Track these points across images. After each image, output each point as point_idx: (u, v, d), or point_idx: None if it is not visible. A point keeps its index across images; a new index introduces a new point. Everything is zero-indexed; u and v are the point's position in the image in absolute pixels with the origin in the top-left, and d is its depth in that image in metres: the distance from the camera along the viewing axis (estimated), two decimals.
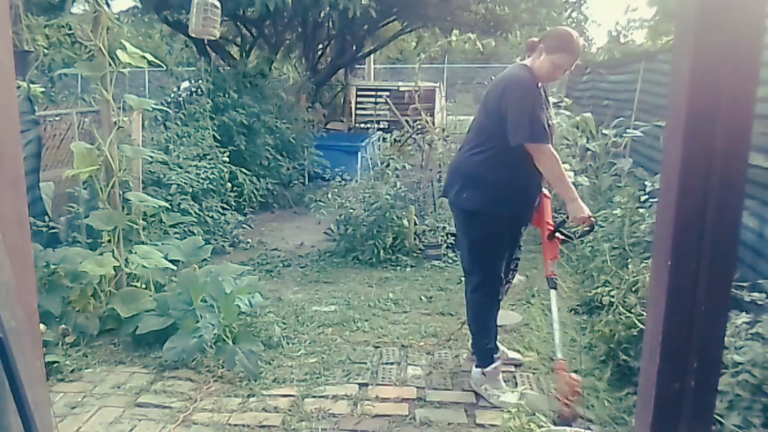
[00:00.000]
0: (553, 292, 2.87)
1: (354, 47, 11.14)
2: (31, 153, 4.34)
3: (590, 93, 8.26)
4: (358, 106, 11.79)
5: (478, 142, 2.85)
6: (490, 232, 2.85)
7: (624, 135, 5.11)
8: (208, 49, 8.78)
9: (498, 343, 3.02)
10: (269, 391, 2.95)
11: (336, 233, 5.51)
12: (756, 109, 1.01)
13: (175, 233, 4.66)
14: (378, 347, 3.44)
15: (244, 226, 6.10)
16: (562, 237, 2.92)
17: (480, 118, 2.89)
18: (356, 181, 6.20)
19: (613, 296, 3.27)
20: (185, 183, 5.39)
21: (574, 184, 5.07)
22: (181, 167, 5.60)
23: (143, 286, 3.76)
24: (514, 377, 3.08)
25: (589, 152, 5.57)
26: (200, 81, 7.04)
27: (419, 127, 6.25)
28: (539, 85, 2.78)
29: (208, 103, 6.60)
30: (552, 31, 2.86)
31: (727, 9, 0.96)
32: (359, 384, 3.01)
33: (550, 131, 2.72)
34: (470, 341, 3.12)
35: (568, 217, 2.89)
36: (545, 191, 3.00)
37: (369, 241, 5.13)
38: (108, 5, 3.57)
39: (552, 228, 2.91)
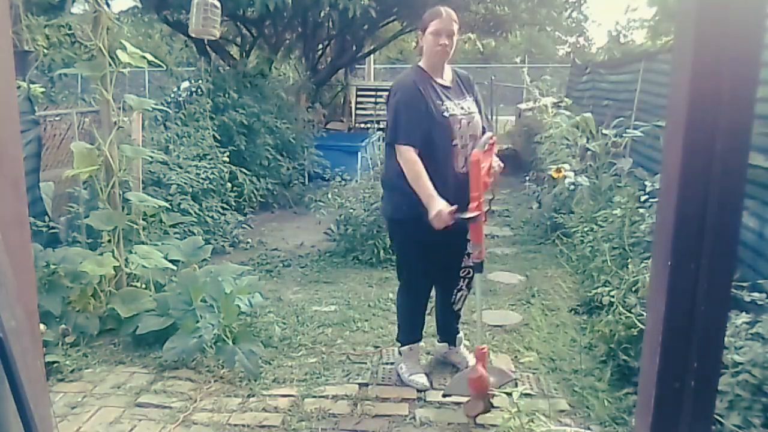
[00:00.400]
0: (477, 276, 2.74)
1: (354, 47, 11.13)
2: (31, 153, 4.34)
3: (590, 93, 8.26)
4: (358, 106, 11.78)
5: (387, 150, 2.89)
6: (408, 240, 2.88)
7: (624, 135, 5.11)
8: (208, 49, 8.77)
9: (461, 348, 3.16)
10: (269, 391, 2.95)
11: (336, 233, 5.51)
12: (756, 109, 1.01)
13: (175, 233, 4.66)
14: (378, 347, 3.44)
15: (244, 226, 6.10)
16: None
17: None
18: (356, 181, 6.20)
19: (613, 296, 3.27)
20: (185, 183, 5.39)
21: (573, 183, 5.12)
22: (181, 167, 5.60)
23: (143, 286, 3.76)
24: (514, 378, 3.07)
25: (589, 152, 5.57)
26: (200, 81, 7.04)
27: None
28: (434, 79, 2.78)
29: (208, 103, 6.60)
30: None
31: (727, 9, 0.96)
32: (359, 384, 3.02)
33: (446, 122, 2.69)
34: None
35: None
36: (475, 150, 2.65)
37: (369, 241, 5.13)
38: (108, 5, 3.57)
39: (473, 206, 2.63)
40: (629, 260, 3.48)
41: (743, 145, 1.01)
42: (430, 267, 2.91)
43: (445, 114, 2.71)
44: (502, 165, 2.79)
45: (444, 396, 2.81)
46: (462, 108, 2.79)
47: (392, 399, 2.87)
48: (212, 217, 5.57)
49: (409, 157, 2.65)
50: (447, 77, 2.85)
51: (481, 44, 6.04)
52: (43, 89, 7.01)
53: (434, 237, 2.62)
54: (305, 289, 4.56)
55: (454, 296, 3.04)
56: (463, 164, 2.72)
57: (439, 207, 2.54)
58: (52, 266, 3.42)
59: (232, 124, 6.85)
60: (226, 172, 6.11)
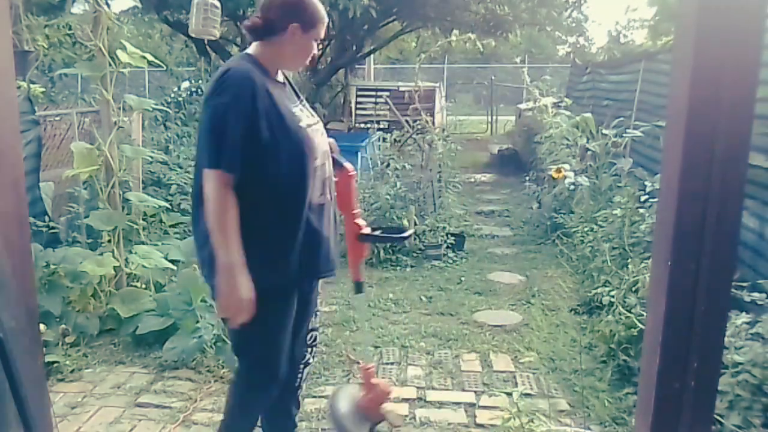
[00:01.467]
0: (360, 296, 2.47)
1: (354, 47, 11.14)
2: (31, 153, 4.34)
3: (590, 93, 8.26)
4: (358, 106, 11.78)
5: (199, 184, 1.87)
6: (269, 313, 1.91)
7: (624, 135, 5.11)
8: (208, 49, 8.78)
9: None
10: None
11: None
12: (756, 109, 1.01)
13: (176, 233, 4.65)
14: (378, 347, 3.44)
15: None
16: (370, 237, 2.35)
17: None
18: (356, 181, 6.18)
19: (613, 296, 3.27)
20: (185, 183, 5.40)
21: (573, 183, 5.11)
22: (181, 167, 5.60)
23: (143, 286, 3.76)
24: (514, 377, 3.08)
25: (589, 152, 5.57)
26: (200, 81, 7.04)
27: (419, 127, 6.25)
28: (271, 75, 1.94)
29: None
30: (293, 2, 1.94)
31: (727, 9, 0.96)
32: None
33: (303, 136, 1.89)
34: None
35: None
36: (348, 165, 2.24)
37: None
38: (108, 5, 3.57)
39: (360, 229, 2.27)
40: (629, 260, 3.48)
41: (743, 145, 1.01)
42: (282, 347, 2.03)
43: (301, 124, 1.91)
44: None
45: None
46: (308, 115, 2.03)
47: (392, 399, 2.87)
48: None
49: (223, 191, 1.75)
50: (279, 75, 2.03)
51: (481, 44, 6.03)
52: (43, 89, 7.01)
53: (287, 298, 2.00)
54: None
55: (300, 374, 2.26)
56: (320, 192, 1.98)
57: (242, 285, 1.77)
58: (52, 266, 3.42)
59: None
60: None
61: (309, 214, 1.93)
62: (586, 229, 4.51)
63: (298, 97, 2.09)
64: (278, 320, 1.99)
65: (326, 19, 2.01)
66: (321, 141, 2.02)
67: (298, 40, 1.94)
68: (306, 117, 1.99)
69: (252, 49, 1.98)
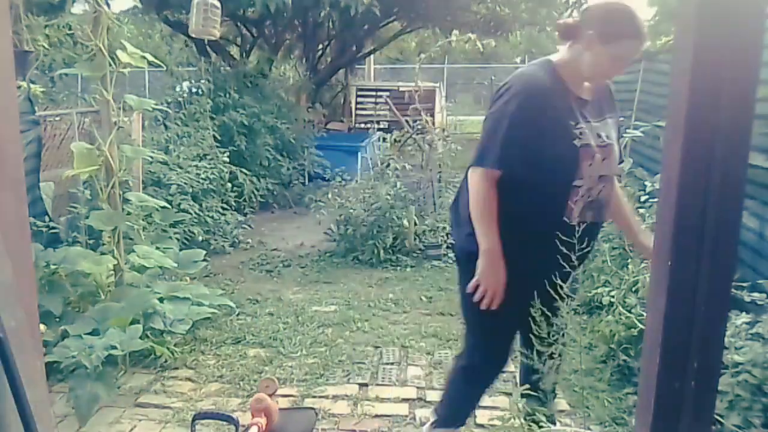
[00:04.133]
0: None
1: (354, 47, 11.14)
2: (31, 153, 4.33)
3: None
4: (358, 106, 11.78)
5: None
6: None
7: (624, 135, 5.10)
8: (208, 49, 8.78)
9: None
10: None
11: (336, 233, 5.51)
12: (756, 109, 1.01)
13: (175, 233, 4.64)
14: (378, 347, 3.44)
15: (244, 226, 6.11)
16: None
17: None
18: (356, 181, 6.19)
19: (613, 296, 3.27)
20: (185, 183, 5.39)
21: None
22: (181, 167, 5.60)
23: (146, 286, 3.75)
24: (514, 377, 3.07)
25: None
26: (200, 81, 7.04)
27: (419, 127, 6.26)
28: (571, 89, 1.95)
29: (208, 103, 6.60)
30: (600, 8, 1.90)
31: (727, 9, 0.96)
32: (359, 384, 3.02)
33: (574, 155, 1.89)
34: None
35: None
36: None
37: (369, 241, 5.13)
38: (108, 5, 3.56)
39: None
40: (629, 260, 3.48)
41: (743, 145, 1.01)
42: (512, 330, 2.21)
43: (577, 143, 1.89)
44: None
45: None
46: (599, 136, 1.97)
47: (392, 399, 2.87)
48: (212, 217, 5.57)
49: (486, 186, 1.92)
50: (586, 87, 2.01)
51: (481, 44, 6.05)
52: (43, 89, 7.00)
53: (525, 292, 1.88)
54: (305, 289, 4.56)
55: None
56: (579, 212, 1.94)
57: (500, 267, 1.94)
58: (53, 266, 3.41)
59: (233, 124, 6.86)
60: (226, 172, 6.11)
61: (561, 229, 1.81)
62: None
63: (603, 114, 2.04)
64: (514, 309, 2.00)
65: (641, 37, 1.90)
66: (595, 165, 1.94)
67: (596, 51, 1.88)
68: (589, 137, 1.93)
69: (558, 53, 2.00)
